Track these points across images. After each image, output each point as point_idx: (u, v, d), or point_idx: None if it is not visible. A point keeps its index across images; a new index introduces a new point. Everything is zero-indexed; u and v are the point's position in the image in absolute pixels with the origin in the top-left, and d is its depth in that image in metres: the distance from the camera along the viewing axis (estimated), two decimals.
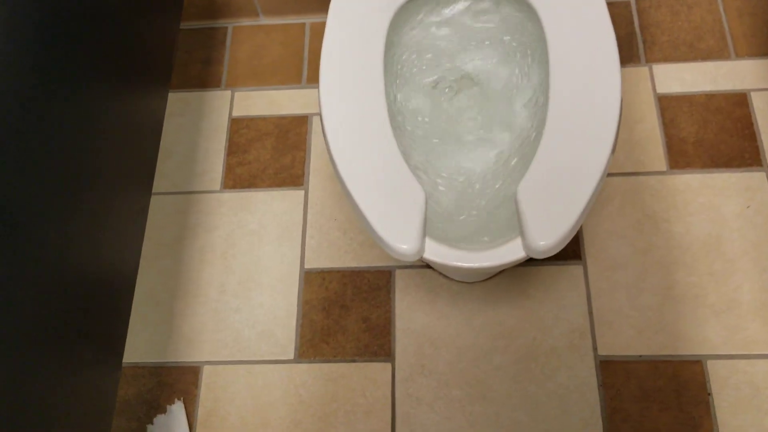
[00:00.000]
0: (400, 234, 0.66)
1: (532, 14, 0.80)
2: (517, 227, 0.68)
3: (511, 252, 0.66)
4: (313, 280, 1.04)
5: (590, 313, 0.99)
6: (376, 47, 0.78)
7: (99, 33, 0.68)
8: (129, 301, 0.76)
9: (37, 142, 0.56)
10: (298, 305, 1.03)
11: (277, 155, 1.15)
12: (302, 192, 1.12)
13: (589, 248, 1.03)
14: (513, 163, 0.79)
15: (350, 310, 1.02)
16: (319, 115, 0.74)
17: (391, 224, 0.67)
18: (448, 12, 0.87)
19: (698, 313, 0.98)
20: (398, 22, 0.83)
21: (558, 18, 0.77)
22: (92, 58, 0.66)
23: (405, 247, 0.66)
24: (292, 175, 1.14)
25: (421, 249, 0.67)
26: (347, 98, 0.76)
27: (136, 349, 1.02)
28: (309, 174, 1.13)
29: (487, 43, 0.89)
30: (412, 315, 1.00)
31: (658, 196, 1.06)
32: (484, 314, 0.99)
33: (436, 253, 0.67)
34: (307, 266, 1.06)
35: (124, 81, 0.73)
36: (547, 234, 0.65)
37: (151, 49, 0.81)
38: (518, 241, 0.67)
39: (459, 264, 0.67)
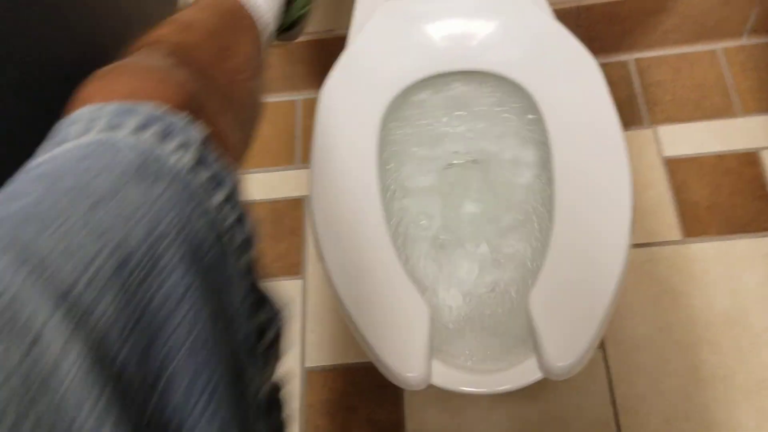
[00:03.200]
0: (405, 360, 0.61)
1: (527, 100, 0.76)
2: (530, 342, 0.63)
3: (526, 374, 0.61)
4: (315, 379, 0.98)
5: (613, 401, 0.92)
6: (371, 133, 0.74)
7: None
8: None
9: None
10: (300, 409, 0.97)
11: (272, 243, 1.10)
12: (300, 281, 1.07)
13: (607, 330, 0.97)
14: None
15: (357, 411, 0.95)
16: (312, 225, 0.70)
17: (393, 348, 0.62)
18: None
19: (728, 396, 0.91)
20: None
21: (556, 103, 0.73)
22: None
23: (411, 375, 0.60)
24: (288, 264, 1.09)
25: (429, 375, 0.61)
26: (340, 202, 0.71)
27: None
28: (306, 261, 1.08)
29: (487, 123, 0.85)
30: (423, 414, 0.94)
31: (674, 268, 1.01)
32: (500, 409, 0.93)
33: (446, 379, 0.62)
34: (308, 364, 1.00)
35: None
36: (565, 353, 0.59)
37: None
38: (533, 361, 0.61)
39: (470, 390, 0.61)
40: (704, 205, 1.05)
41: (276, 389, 0.33)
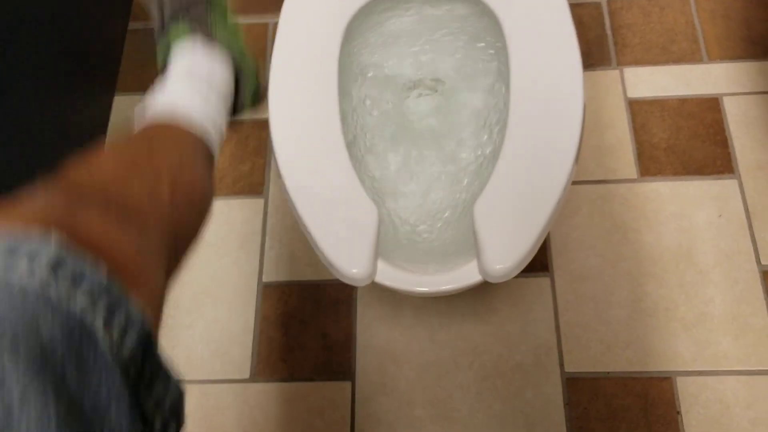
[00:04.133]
0: (350, 257, 0.62)
1: (494, 22, 0.76)
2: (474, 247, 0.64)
3: (466, 276, 0.63)
4: (271, 294, 1.00)
5: (557, 327, 0.95)
6: (332, 49, 0.74)
7: (34, 33, 0.63)
8: None
9: None
10: (255, 321, 0.98)
11: (235, 162, 1.11)
12: (262, 200, 1.07)
13: (557, 259, 1.00)
14: (473, 180, 0.75)
15: (309, 325, 0.97)
16: (270, 133, 0.70)
17: (340, 246, 0.63)
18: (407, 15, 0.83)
19: (668, 328, 0.95)
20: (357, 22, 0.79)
21: (520, 24, 0.73)
22: (25, 59, 0.61)
23: (355, 271, 0.62)
24: (251, 183, 1.09)
25: (373, 273, 0.63)
26: (298, 107, 0.71)
27: None
28: (269, 181, 1.09)
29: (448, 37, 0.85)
30: (374, 330, 0.96)
31: (627, 205, 1.03)
32: (449, 329, 0.96)
33: (388, 276, 0.63)
34: (265, 279, 1.01)
35: (59, 82, 0.68)
36: (503, 257, 0.61)
37: (93, 50, 0.76)
38: (474, 264, 0.63)
39: (411, 289, 0.63)
40: (662, 147, 1.07)
41: None
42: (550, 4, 0.73)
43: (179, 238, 0.43)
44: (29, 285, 0.27)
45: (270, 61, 0.74)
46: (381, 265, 0.64)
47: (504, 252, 0.61)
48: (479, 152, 0.77)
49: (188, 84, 0.52)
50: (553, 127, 0.68)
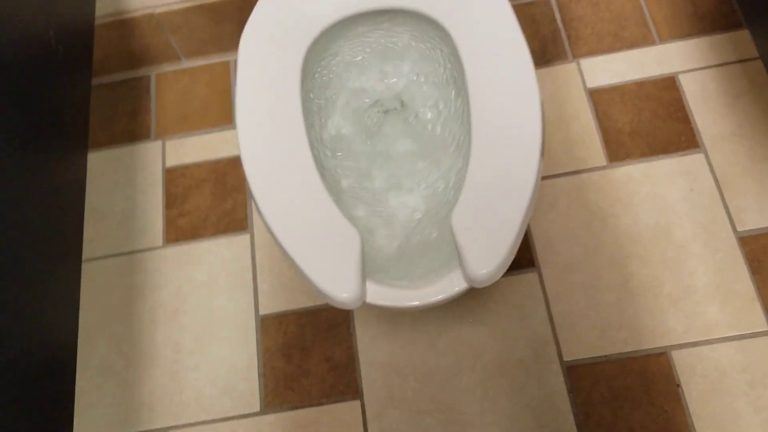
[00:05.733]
0: (338, 282, 0.64)
1: (443, 33, 0.79)
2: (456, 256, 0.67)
3: (452, 284, 0.65)
4: (270, 325, 1.02)
5: (551, 319, 0.98)
6: (292, 81, 0.76)
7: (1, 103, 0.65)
8: (71, 381, 0.73)
9: None
10: (258, 354, 1.00)
11: (217, 201, 1.12)
12: (248, 236, 1.09)
13: (542, 254, 1.02)
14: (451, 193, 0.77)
15: (312, 351, 0.99)
16: (243, 168, 0.72)
17: (327, 273, 0.65)
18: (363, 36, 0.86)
19: (657, 304, 0.98)
20: (316, 50, 0.81)
21: (467, 33, 0.76)
22: None
23: (345, 295, 0.64)
24: (234, 220, 1.11)
25: (363, 295, 0.65)
26: (266, 139, 0.73)
27: (95, 424, 0.98)
28: (252, 216, 1.11)
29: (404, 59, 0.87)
30: (375, 347, 0.98)
31: (602, 192, 1.06)
32: (447, 335, 0.98)
33: (379, 296, 0.66)
34: (262, 312, 1.03)
35: (35, 146, 0.70)
36: (486, 261, 0.64)
37: (62, 109, 0.78)
38: (458, 272, 0.65)
39: (401, 305, 0.65)
40: (627, 131, 1.10)
41: None
42: (492, 9, 0.76)
43: None
44: None
45: (234, 98, 0.76)
46: (370, 286, 0.66)
47: (485, 256, 0.64)
48: (452, 168, 0.80)
49: None
50: (515, 126, 0.70)
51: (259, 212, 0.69)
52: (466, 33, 0.76)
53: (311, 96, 0.82)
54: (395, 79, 0.87)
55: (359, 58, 0.86)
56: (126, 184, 1.15)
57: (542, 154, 0.68)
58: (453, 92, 0.82)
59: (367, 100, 0.88)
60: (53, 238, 0.72)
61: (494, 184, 0.67)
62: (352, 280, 0.64)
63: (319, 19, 0.79)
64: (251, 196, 0.70)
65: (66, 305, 0.72)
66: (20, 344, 0.63)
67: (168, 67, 1.24)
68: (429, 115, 0.84)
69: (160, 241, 1.10)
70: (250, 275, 1.06)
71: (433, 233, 0.76)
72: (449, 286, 0.65)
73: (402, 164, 0.85)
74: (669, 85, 1.13)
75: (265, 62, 0.77)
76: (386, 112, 0.88)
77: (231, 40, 1.21)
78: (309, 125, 0.75)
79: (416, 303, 0.66)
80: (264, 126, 0.74)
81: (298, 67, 0.77)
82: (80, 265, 0.77)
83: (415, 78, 0.86)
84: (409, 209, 0.82)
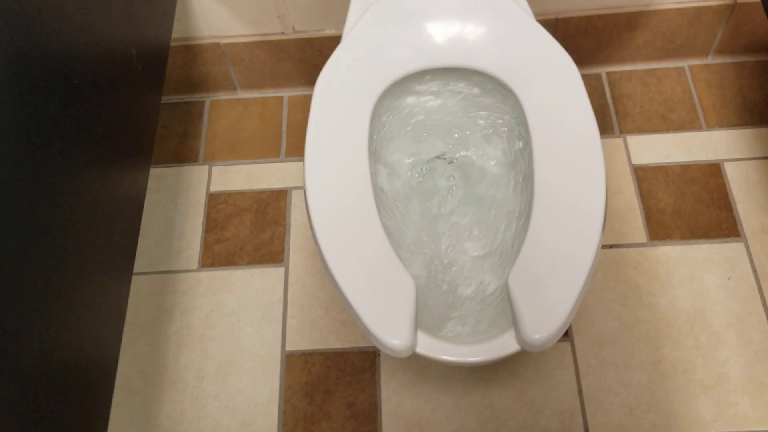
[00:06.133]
0: (392, 329, 0.64)
1: (511, 98, 0.80)
2: (510, 316, 0.67)
3: (504, 346, 0.65)
4: (295, 363, 1.01)
5: (580, 391, 0.97)
6: (361, 129, 0.77)
7: (81, 108, 0.67)
8: (109, 395, 0.72)
9: (17, 219, 0.54)
10: (279, 391, 0.99)
11: (256, 231, 1.13)
12: (282, 269, 1.10)
13: (576, 324, 1.02)
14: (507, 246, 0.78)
15: (334, 394, 0.98)
16: (305, 199, 0.73)
17: (381, 318, 0.65)
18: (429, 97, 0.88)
19: (688, 389, 0.96)
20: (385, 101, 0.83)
21: (536, 99, 0.77)
22: (72, 134, 0.64)
23: (396, 342, 0.64)
24: (271, 252, 1.11)
25: (414, 344, 0.65)
26: (331, 176, 0.74)
27: None
28: (289, 250, 1.11)
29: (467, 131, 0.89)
30: (398, 398, 0.97)
31: (640, 269, 1.06)
32: (473, 396, 0.97)
33: (428, 347, 0.65)
34: (288, 348, 1.02)
35: (106, 157, 0.71)
36: (541, 326, 0.64)
37: (133, 126, 0.80)
38: (511, 334, 0.65)
39: (451, 359, 0.65)
40: (669, 211, 1.11)
41: None
42: (565, 81, 0.78)
43: None
44: None
45: (305, 133, 0.77)
46: (419, 335, 0.66)
47: (541, 321, 0.64)
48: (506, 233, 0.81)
49: None
50: (579, 196, 0.71)
51: (317, 246, 0.70)
52: (536, 100, 0.77)
53: (375, 138, 0.83)
54: (457, 141, 0.88)
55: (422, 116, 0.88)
56: (168, 204, 1.16)
57: (604, 226, 0.69)
58: (512, 156, 0.84)
59: (426, 154, 0.89)
60: (113, 249, 0.72)
61: (554, 250, 0.68)
62: (405, 328, 0.64)
63: (396, 66, 0.81)
64: (311, 229, 0.71)
65: (114, 319, 0.72)
66: (69, 356, 0.63)
67: (223, 96, 1.27)
68: (486, 179, 0.85)
69: (195, 264, 1.10)
70: (280, 309, 1.06)
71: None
72: (500, 346, 0.65)
73: (453, 221, 0.86)
74: (714, 171, 1.14)
75: (338, 101, 0.79)
76: (442, 164, 0.89)
77: (288, 78, 1.24)
78: (373, 171, 0.76)
79: (464, 359, 0.65)
80: (330, 163, 0.75)
81: (369, 110, 0.78)
82: (130, 280, 0.77)
83: (476, 141, 0.88)
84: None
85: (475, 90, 0.85)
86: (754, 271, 1.05)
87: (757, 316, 1.01)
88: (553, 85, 0.78)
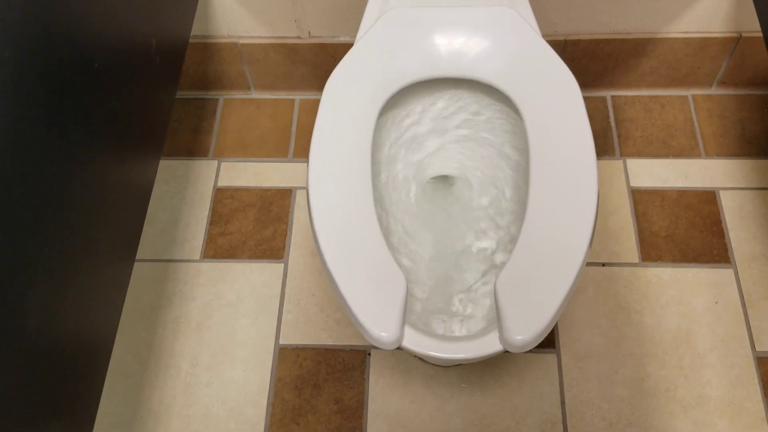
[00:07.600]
0: (380, 321, 0.67)
1: (513, 109, 0.84)
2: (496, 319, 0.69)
3: (488, 345, 0.67)
4: (287, 356, 1.03)
5: (563, 402, 0.99)
6: (365, 133, 0.80)
7: (100, 91, 0.70)
8: (102, 374, 0.74)
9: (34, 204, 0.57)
10: (270, 382, 1.01)
11: (259, 227, 1.16)
12: (282, 265, 1.12)
13: (563, 337, 1.04)
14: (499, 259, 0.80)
15: (323, 389, 1.01)
16: (306, 194, 0.76)
17: (371, 311, 0.68)
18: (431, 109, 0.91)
19: (668, 408, 0.98)
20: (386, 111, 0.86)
21: (537, 113, 0.80)
22: (89, 115, 0.67)
23: (385, 335, 0.66)
24: (272, 248, 1.14)
25: (400, 337, 0.67)
26: (334, 181, 0.77)
27: (98, 423, 0.99)
28: (290, 247, 1.14)
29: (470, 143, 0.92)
30: (385, 397, 1.00)
31: (631, 288, 1.09)
32: (458, 400, 0.99)
33: (414, 342, 0.68)
34: (282, 342, 1.05)
35: (119, 143, 0.74)
36: (524, 328, 0.66)
37: (147, 116, 0.83)
38: (495, 334, 0.68)
39: (436, 354, 0.67)
40: (662, 234, 1.14)
41: None
42: (567, 99, 0.81)
43: None
44: None
45: (310, 135, 0.80)
46: (407, 330, 0.69)
47: (524, 324, 0.66)
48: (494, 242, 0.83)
49: None
50: (570, 207, 0.74)
51: (317, 243, 0.73)
52: (535, 111, 0.80)
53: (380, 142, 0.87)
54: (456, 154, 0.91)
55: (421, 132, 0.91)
56: (176, 195, 1.20)
57: (591, 242, 0.71)
58: (511, 165, 0.86)
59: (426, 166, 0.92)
60: (119, 232, 0.75)
61: (541, 261, 0.70)
62: (394, 321, 0.67)
63: (403, 74, 0.84)
64: (312, 227, 0.74)
65: (113, 300, 0.75)
66: (66, 330, 0.66)
67: (237, 95, 1.31)
68: (483, 187, 0.88)
69: (197, 255, 1.13)
70: (276, 304, 1.08)
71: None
72: (483, 345, 0.67)
73: (448, 224, 0.89)
74: (709, 198, 1.17)
75: (344, 105, 0.82)
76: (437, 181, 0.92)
77: (300, 81, 1.27)
78: (375, 173, 0.79)
79: (447, 355, 0.68)
80: (333, 164, 0.78)
81: (374, 115, 0.81)
82: (133, 264, 0.80)
83: (474, 151, 0.91)
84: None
85: (474, 99, 0.88)
86: (741, 297, 1.07)
87: (741, 341, 1.03)
88: (555, 102, 0.81)
